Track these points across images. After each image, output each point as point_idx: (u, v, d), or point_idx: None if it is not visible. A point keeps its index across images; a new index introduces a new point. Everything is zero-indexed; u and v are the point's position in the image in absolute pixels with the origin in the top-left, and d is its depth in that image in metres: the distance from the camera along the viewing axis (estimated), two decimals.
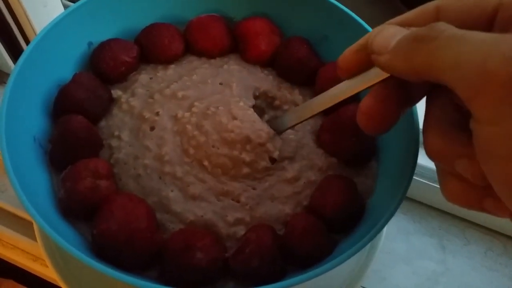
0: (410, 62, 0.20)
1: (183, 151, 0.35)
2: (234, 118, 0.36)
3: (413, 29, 0.22)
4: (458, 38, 0.18)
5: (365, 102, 0.24)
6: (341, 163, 0.37)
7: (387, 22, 0.24)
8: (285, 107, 0.40)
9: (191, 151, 0.35)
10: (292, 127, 0.35)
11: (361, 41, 0.25)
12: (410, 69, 0.20)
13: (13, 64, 0.56)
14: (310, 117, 0.33)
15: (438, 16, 0.22)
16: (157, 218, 0.33)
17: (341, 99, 0.29)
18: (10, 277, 0.66)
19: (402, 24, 0.23)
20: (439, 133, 0.21)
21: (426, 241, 0.49)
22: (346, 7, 0.40)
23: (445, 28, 0.19)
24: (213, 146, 0.35)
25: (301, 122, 0.34)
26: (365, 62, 0.25)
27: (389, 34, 0.22)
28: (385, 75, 0.24)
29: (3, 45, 0.53)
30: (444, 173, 0.22)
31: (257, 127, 0.36)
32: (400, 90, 0.24)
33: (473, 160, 0.19)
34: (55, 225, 0.30)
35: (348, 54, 0.26)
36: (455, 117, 0.21)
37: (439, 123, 0.22)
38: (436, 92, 0.23)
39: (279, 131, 0.36)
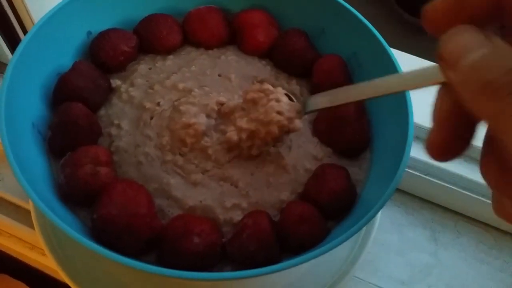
0: (479, 104, 0.16)
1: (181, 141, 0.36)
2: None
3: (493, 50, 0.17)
4: None
5: (433, 139, 0.20)
6: (336, 153, 0.38)
7: None
8: None
9: (188, 140, 0.36)
10: (318, 110, 0.33)
11: None
12: (479, 112, 0.17)
13: (10, 54, 0.56)
14: (343, 104, 0.29)
15: None
16: (156, 204, 0.33)
17: (386, 93, 0.25)
18: (6, 271, 0.65)
19: None
20: (497, 166, 0.19)
21: (418, 233, 0.50)
22: None
23: None
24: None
25: (332, 106, 0.30)
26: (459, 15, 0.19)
27: (462, 42, 0.17)
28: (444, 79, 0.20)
29: (1, 35, 0.53)
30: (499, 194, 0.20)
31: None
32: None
33: None
34: (55, 210, 0.30)
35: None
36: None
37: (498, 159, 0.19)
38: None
39: (304, 111, 0.34)
